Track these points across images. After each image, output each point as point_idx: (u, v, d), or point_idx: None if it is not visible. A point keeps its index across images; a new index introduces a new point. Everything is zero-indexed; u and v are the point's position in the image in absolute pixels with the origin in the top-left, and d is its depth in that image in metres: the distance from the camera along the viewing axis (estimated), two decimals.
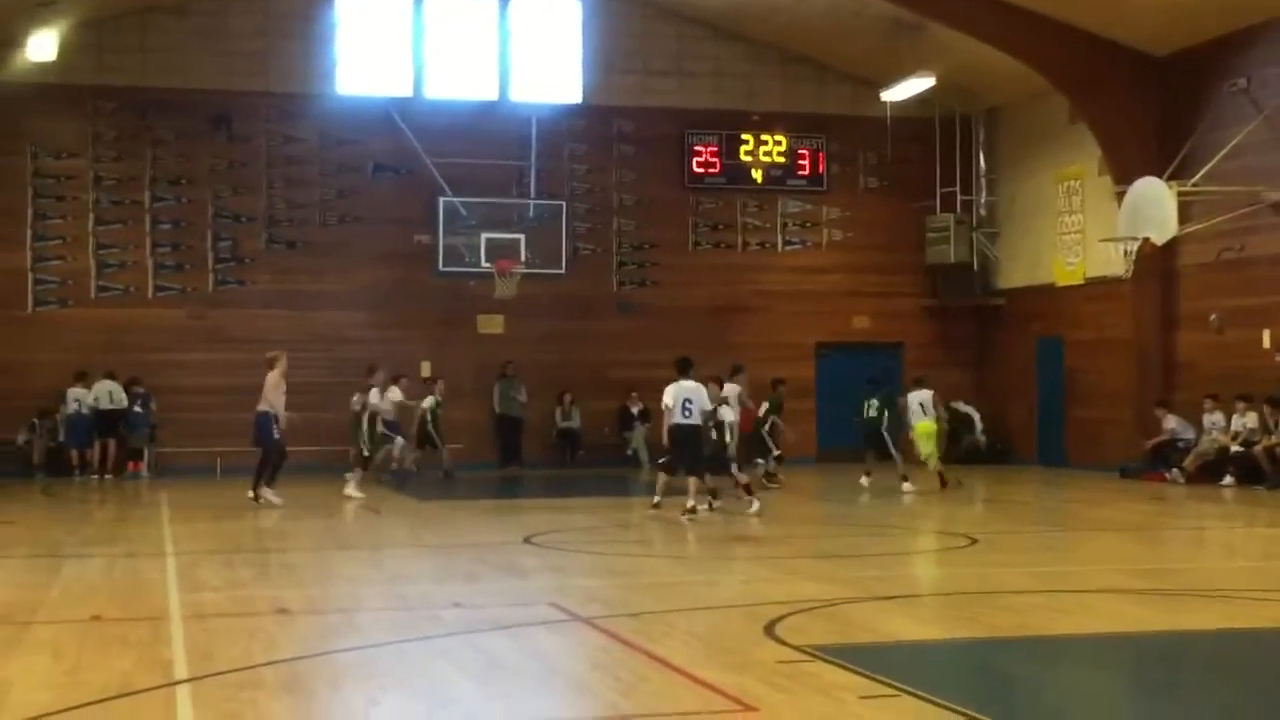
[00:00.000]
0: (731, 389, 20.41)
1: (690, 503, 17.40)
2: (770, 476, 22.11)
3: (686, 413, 17.54)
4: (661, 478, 18.19)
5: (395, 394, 22.95)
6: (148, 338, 26.10)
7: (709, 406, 17.86)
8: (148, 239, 26.55)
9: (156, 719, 7.09)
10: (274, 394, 19.10)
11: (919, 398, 22.42)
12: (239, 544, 15.08)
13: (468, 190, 26.57)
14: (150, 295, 26.51)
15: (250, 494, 19.28)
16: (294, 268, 27.01)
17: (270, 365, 19.32)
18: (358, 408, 22.67)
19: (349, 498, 20.33)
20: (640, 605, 10.55)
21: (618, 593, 11.32)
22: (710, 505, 18.04)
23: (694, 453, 17.72)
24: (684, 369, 17.91)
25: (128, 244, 26.47)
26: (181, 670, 8.11)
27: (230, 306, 26.70)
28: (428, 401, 23.70)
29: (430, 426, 23.71)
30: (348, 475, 21.09)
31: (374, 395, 22.06)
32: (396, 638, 9.16)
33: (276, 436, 19.22)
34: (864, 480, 21.93)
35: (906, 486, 21.26)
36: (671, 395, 17.70)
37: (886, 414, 22.13)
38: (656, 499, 17.92)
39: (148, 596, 11.12)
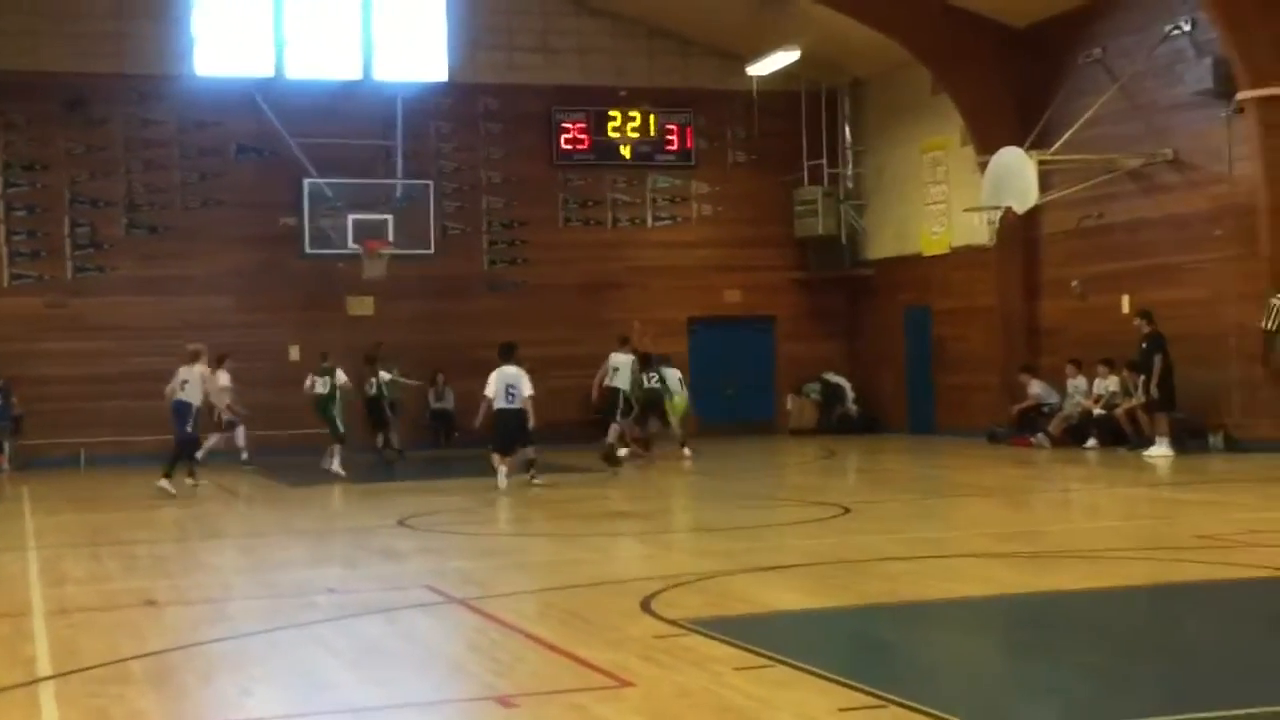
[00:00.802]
0: (623, 359, 22.35)
1: (532, 472, 18.30)
2: (644, 445, 22.49)
3: (510, 398, 18.02)
4: (498, 461, 18.29)
5: (224, 378, 22.76)
6: (5, 327, 25.49)
7: (529, 392, 18.14)
8: (2, 226, 25.91)
9: (19, 718, 6.93)
10: (215, 389, 19.76)
11: (677, 374, 23.25)
12: (104, 536, 14.77)
13: (333, 171, 26.27)
14: (5, 283, 25.89)
15: (190, 481, 19.48)
16: (156, 253, 26.52)
17: (195, 359, 19.42)
18: (312, 390, 22.42)
19: (334, 474, 20.96)
20: (516, 585, 10.53)
21: (494, 573, 11.28)
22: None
23: (521, 435, 18.26)
24: (506, 354, 18.47)
25: None
26: (45, 667, 7.93)
27: (90, 294, 26.15)
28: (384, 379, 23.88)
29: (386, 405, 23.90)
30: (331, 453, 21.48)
31: (340, 376, 22.15)
32: (268, 626, 9.05)
33: (190, 429, 19.27)
34: (624, 451, 22.02)
35: (687, 452, 22.40)
36: (493, 383, 18.16)
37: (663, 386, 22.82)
38: (501, 484, 18.05)
39: (8, 592, 10.85)
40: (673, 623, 8.49)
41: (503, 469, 18.17)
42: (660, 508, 16.56)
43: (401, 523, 14.79)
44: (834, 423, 28.97)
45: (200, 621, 9.47)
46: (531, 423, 18.34)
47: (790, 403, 29.50)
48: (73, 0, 26.12)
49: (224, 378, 22.93)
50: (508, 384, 18.03)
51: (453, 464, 23.86)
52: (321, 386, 22.15)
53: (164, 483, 18.79)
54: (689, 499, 18.39)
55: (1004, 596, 9.52)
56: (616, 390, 22.30)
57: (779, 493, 18.36)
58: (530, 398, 18.20)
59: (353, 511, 17.51)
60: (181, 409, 19.19)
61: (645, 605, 9.13)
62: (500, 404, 18.05)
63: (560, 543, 13.49)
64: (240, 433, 23.64)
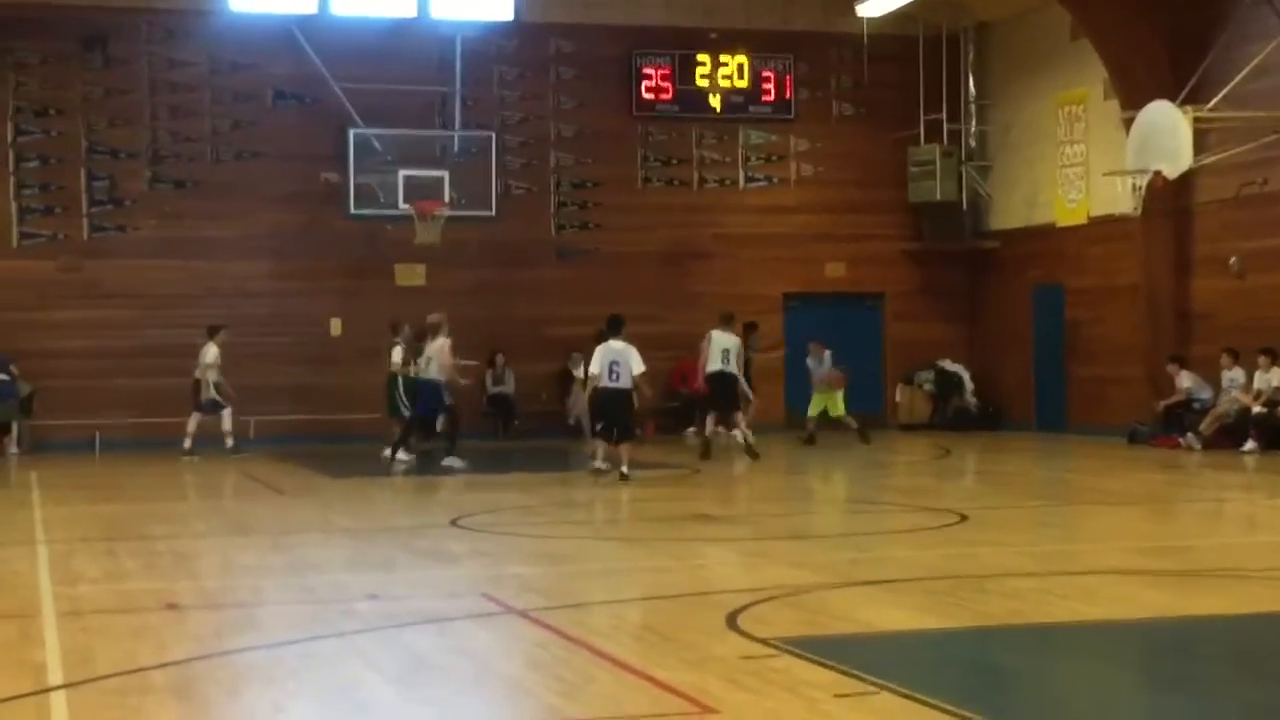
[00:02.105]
0: (731, 340, 22.35)
1: (623, 468, 18.42)
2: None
3: (614, 376, 18.43)
4: (599, 445, 18.98)
5: (212, 352, 23.09)
6: (12, 294, 25.83)
7: (640, 368, 18.55)
8: (11, 179, 26.27)
9: None
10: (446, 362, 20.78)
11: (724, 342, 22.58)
12: (121, 530, 14.98)
13: (382, 121, 26.39)
14: (14, 244, 26.25)
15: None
16: (183, 211, 26.80)
17: (436, 331, 20.88)
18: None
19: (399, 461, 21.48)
20: (584, 595, 10.58)
21: (558, 581, 11.33)
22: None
23: (623, 418, 18.67)
24: (614, 328, 18.91)
25: None
26: (56, 675, 8.06)
27: (109, 256, 26.47)
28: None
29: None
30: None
31: (396, 354, 22.76)
32: (304, 635, 9.14)
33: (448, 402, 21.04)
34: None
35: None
36: (597, 359, 18.68)
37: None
38: (597, 464, 18.83)
39: (15, 591, 11.06)
40: (763, 642, 8.50)
41: (600, 453, 18.85)
42: (751, 511, 16.57)
43: (454, 522, 14.90)
44: (950, 417, 28.82)
45: (227, 628, 9.59)
46: (641, 401, 19.28)
47: (900, 393, 29.38)
48: None
49: (212, 352, 23.24)
50: (612, 360, 18.43)
51: (512, 456, 23.97)
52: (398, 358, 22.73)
53: (401, 455, 20.91)
54: (784, 502, 18.39)
55: (1145, 620, 9.46)
56: (728, 376, 22.13)
57: (886, 496, 18.32)
58: (644, 374, 18.88)
59: (400, 508, 17.66)
60: (429, 389, 20.71)
61: (732, 621, 9.15)
62: (603, 383, 18.59)
63: (635, 548, 13.53)
64: (226, 416, 23.71)
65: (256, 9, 26.95)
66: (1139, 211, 23.80)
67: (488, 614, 9.78)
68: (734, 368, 22.27)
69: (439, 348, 20.76)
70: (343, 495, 18.59)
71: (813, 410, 25.08)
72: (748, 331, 24.07)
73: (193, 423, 23.47)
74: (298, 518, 16.46)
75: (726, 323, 22.70)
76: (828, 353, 25.11)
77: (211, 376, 23.26)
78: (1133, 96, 24.19)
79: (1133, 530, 14.62)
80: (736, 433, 22.39)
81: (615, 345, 18.64)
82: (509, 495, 18.02)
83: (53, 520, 15.77)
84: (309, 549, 13.61)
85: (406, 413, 22.21)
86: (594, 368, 18.80)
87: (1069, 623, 9.36)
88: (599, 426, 19.24)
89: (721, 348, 22.25)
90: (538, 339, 27.55)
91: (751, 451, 21.84)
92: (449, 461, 20.86)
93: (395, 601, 10.32)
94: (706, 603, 9.90)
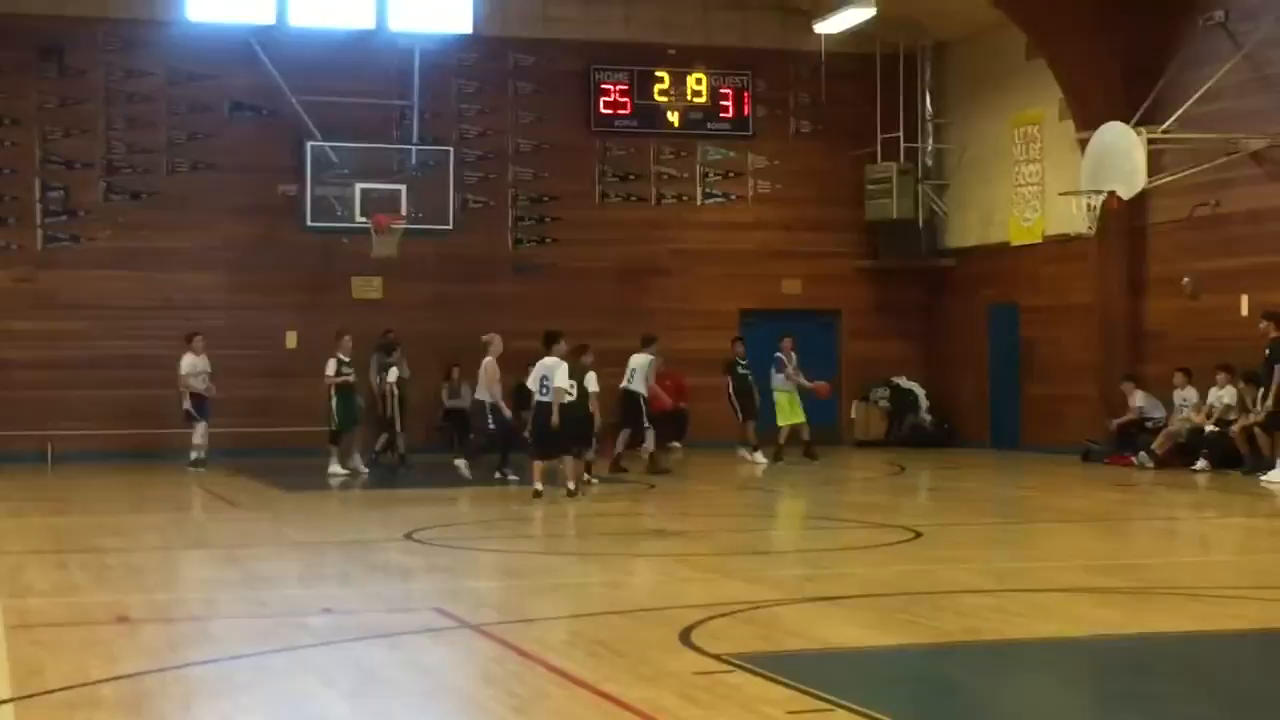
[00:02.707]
0: (640, 360, 22.69)
1: (569, 484, 18.46)
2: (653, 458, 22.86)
3: (544, 390, 18.44)
4: (536, 466, 18.83)
5: (190, 360, 23.25)
6: None
7: (561, 383, 18.41)
8: None
9: None
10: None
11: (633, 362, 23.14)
12: (73, 542, 14.89)
13: (340, 134, 26.35)
14: None
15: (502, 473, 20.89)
16: (138, 222, 26.65)
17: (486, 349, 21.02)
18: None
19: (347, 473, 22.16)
20: (538, 610, 10.56)
21: (512, 596, 11.32)
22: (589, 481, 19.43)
23: (555, 434, 18.48)
24: (549, 342, 18.88)
25: None
26: (4, 688, 8.00)
27: (63, 267, 26.30)
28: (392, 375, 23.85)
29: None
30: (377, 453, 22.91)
31: (392, 374, 23.52)
32: (257, 649, 9.10)
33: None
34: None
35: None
36: (533, 374, 18.73)
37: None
38: (536, 486, 18.62)
39: None
40: (717, 657, 8.50)
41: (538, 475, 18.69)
42: (705, 527, 16.56)
43: (408, 536, 14.84)
44: (905, 433, 28.89)
45: (180, 641, 9.54)
46: (596, 423, 19.39)
47: (855, 409, 29.43)
48: None
49: (185, 361, 23.23)
50: (542, 375, 18.44)
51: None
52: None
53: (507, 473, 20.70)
54: (737, 517, 18.37)
55: (1098, 638, 9.49)
56: (631, 394, 22.73)
57: (840, 512, 18.33)
58: (596, 394, 19.08)
59: (354, 522, 17.58)
60: (483, 408, 20.95)
61: (685, 637, 9.14)
62: (538, 397, 18.52)
63: (590, 563, 13.52)
64: (199, 429, 23.54)
65: (214, 19, 26.83)
66: (1093, 231, 23.94)
67: (441, 629, 9.75)
68: (639, 386, 22.63)
69: (487, 366, 20.93)
70: (297, 508, 18.50)
71: (783, 418, 24.79)
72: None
73: (198, 434, 23.41)
74: (251, 531, 16.38)
75: (646, 344, 23.17)
76: (794, 354, 25.13)
77: (193, 385, 23.19)
78: (1088, 117, 24.33)
79: (1086, 548, 14.66)
80: (644, 449, 22.66)
81: (548, 360, 18.58)
82: (464, 509, 17.99)
83: (3, 532, 15.65)
84: (262, 562, 13.54)
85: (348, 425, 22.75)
86: (530, 382, 18.76)
87: (1024, 640, 9.38)
88: (534, 445, 19.02)
89: (630, 367, 22.77)
90: None
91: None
92: (460, 463, 21.47)
93: (348, 616, 10.28)
94: (661, 618, 9.89)
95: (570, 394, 18.37)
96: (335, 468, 22.31)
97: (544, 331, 19.26)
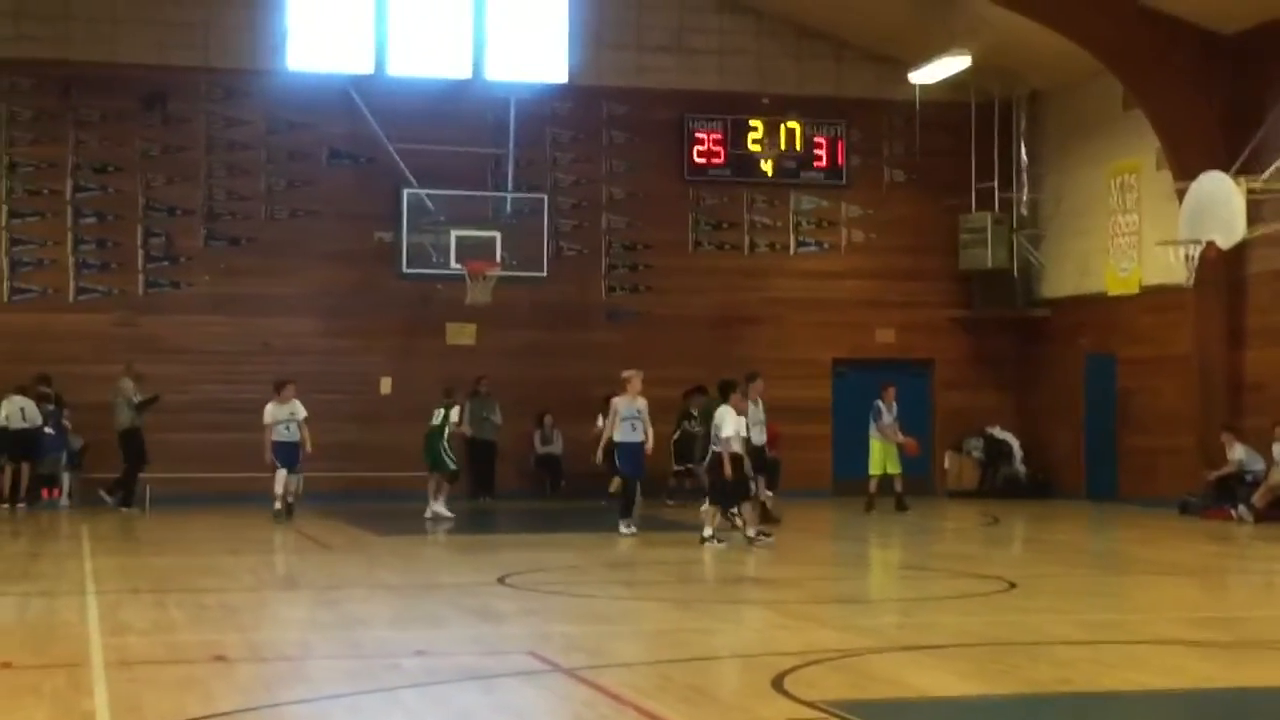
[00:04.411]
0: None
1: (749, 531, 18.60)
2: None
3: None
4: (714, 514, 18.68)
5: (272, 409, 22.39)
6: (67, 347, 26.06)
7: (730, 433, 18.22)
8: (69, 234, 26.57)
9: None
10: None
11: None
12: (170, 582, 15.07)
13: (436, 181, 26.62)
14: (71, 299, 26.52)
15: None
16: (237, 268, 27.02)
17: (624, 387, 20.37)
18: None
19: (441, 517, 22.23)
20: (631, 655, 10.57)
21: (605, 641, 11.33)
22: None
23: (725, 481, 18.29)
24: (724, 391, 18.95)
25: (45, 240, 26.48)
26: None
27: (163, 312, 26.70)
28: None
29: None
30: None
31: (455, 414, 23.29)
32: (351, 689, 9.17)
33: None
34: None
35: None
36: (729, 422, 18.35)
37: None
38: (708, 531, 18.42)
39: (65, 641, 11.12)
40: (810, 704, 8.48)
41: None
42: (798, 575, 16.51)
43: (501, 580, 14.91)
44: (999, 484, 28.68)
45: (275, 681, 9.63)
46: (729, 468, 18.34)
47: (949, 460, 29.27)
48: None
49: (268, 411, 22.54)
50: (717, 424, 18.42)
51: (560, 516, 23.98)
52: (436, 418, 22.70)
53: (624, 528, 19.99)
54: (831, 566, 18.35)
55: (1194, 691, 9.40)
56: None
57: (933, 562, 18.22)
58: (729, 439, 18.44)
59: (447, 566, 17.70)
60: (630, 449, 20.33)
61: (778, 684, 9.12)
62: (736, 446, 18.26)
63: (683, 610, 13.51)
64: (279, 477, 22.46)
65: (313, 69, 27.26)
66: (1191, 282, 23.72)
67: (534, 672, 9.78)
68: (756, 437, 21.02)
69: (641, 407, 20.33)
70: (390, 551, 18.63)
71: (876, 468, 24.38)
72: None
73: (278, 483, 22.55)
74: (345, 573, 16.50)
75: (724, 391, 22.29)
76: (894, 404, 24.73)
77: (277, 435, 22.47)
78: (1185, 167, 24.15)
79: (1183, 600, 14.50)
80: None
81: (722, 410, 18.41)
82: (557, 554, 18.03)
83: (102, 571, 15.85)
84: (356, 604, 13.64)
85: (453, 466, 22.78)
86: (728, 429, 18.21)
87: (1118, 691, 9.29)
88: (718, 494, 18.56)
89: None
90: (586, 400, 27.44)
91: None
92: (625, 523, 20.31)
93: (442, 658, 10.33)
94: (753, 665, 9.88)
95: (737, 444, 18.22)
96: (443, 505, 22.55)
97: (719, 381, 19.55)
